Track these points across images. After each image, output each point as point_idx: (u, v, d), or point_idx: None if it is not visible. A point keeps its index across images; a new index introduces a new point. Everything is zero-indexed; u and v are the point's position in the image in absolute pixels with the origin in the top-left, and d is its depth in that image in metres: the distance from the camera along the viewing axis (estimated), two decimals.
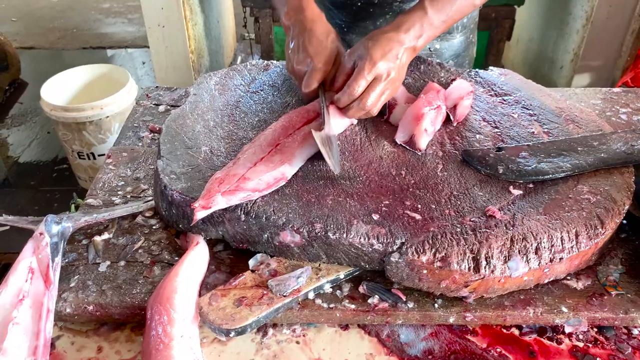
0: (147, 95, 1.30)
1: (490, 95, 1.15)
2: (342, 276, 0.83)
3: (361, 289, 0.82)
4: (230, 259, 0.88)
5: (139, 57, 4.05)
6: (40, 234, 0.84)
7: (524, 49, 3.39)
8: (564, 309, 0.80)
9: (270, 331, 0.81)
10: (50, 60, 3.99)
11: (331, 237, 0.81)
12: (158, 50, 2.66)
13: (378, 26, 1.24)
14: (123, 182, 1.04)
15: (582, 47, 2.71)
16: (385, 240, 0.80)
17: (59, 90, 2.53)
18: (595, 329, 0.82)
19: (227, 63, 3.62)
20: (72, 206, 1.16)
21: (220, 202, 0.82)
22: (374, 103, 0.96)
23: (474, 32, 1.42)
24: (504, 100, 1.13)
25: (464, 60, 1.41)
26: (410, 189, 0.91)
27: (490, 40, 2.83)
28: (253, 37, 3.21)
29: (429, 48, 1.36)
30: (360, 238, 0.80)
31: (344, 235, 0.81)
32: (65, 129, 2.43)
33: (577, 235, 0.82)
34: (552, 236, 0.81)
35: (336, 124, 0.99)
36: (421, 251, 0.78)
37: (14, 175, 2.89)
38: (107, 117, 2.39)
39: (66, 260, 0.87)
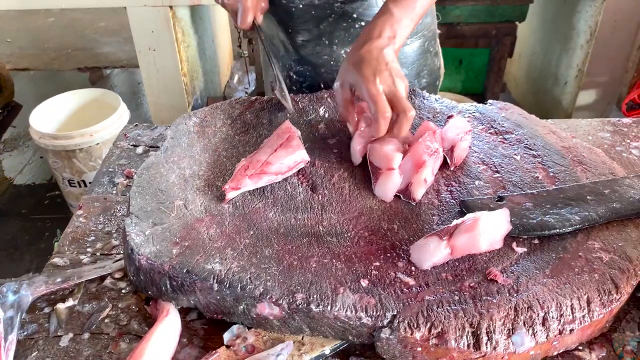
0: (125, 135, 1.23)
1: (490, 133, 1.07)
2: (327, 351, 0.75)
3: None
4: (204, 329, 0.79)
5: (136, 76, 3.99)
6: None
7: (526, 64, 3.31)
8: None
9: None
10: (45, 81, 3.94)
11: (314, 309, 0.72)
12: (149, 74, 2.60)
13: (321, 29, 1.21)
14: (93, 237, 0.96)
15: (587, 62, 2.63)
16: (374, 313, 0.72)
17: (50, 117, 2.47)
18: None
19: (224, 82, 3.56)
20: (55, 244, 1.09)
21: (248, 184, 0.91)
22: (408, 106, 0.91)
23: (433, 41, 1.35)
24: (505, 139, 1.04)
25: (422, 70, 1.34)
26: (404, 247, 0.82)
27: (492, 57, 2.75)
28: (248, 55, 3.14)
29: None
30: (346, 311, 0.72)
31: (329, 307, 0.72)
32: (55, 157, 2.36)
33: (588, 303, 0.73)
34: (560, 304, 0.72)
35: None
36: (415, 326, 0.70)
37: (5, 202, 2.82)
38: (98, 144, 2.33)
39: (24, 333, 0.79)
